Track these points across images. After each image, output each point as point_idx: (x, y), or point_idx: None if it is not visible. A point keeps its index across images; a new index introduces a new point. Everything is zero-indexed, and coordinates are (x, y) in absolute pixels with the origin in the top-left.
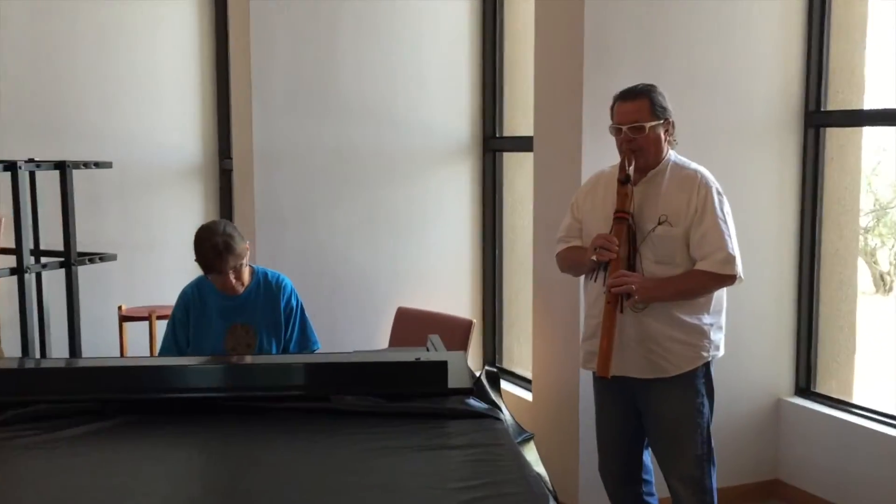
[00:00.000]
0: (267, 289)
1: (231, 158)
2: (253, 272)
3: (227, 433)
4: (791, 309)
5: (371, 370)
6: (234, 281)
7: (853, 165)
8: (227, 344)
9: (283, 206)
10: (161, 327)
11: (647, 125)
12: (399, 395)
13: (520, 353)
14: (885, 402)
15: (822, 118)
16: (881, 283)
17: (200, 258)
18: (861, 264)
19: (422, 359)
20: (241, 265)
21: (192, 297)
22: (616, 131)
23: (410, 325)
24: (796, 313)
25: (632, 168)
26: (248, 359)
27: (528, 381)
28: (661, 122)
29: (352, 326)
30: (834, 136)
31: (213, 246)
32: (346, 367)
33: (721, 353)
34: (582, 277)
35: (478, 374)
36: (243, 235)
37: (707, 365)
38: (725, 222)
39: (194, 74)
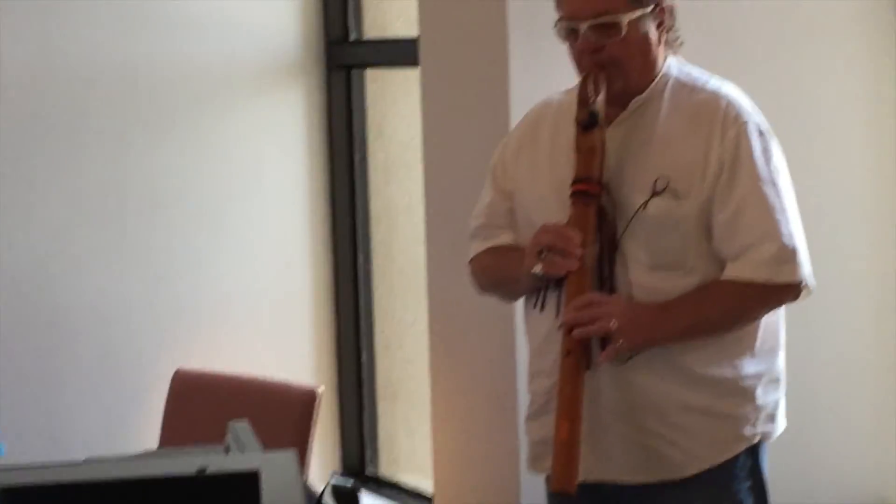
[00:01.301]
0: None
1: None
2: None
3: None
4: None
5: (118, 495)
6: None
7: None
8: None
9: None
10: None
11: (624, 18)
12: None
13: (410, 446)
14: None
15: None
16: None
17: None
18: None
19: (211, 469)
20: None
21: None
22: (568, 33)
23: (198, 401)
24: None
25: (601, 98)
26: None
27: (427, 501)
28: (650, 8)
29: (84, 409)
30: None
31: None
32: (67, 493)
33: (781, 426)
34: (520, 302)
35: (321, 490)
36: None
37: (754, 451)
38: (776, 186)
39: None
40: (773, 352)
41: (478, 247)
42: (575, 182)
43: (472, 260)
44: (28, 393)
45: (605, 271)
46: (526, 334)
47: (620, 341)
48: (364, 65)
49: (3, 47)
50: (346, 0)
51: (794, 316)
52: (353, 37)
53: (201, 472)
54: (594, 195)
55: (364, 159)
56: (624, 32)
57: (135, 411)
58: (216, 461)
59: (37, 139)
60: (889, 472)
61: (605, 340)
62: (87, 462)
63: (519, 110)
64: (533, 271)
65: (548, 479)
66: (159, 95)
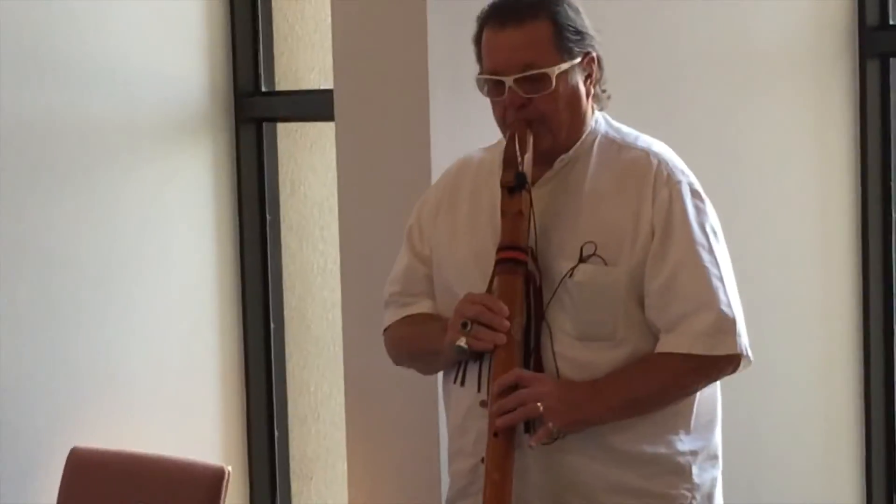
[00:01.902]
0: None
1: None
2: None
3: None
4: (852, 401)
5: None
6: None
7: None
8: None
9: None
10: None
11: (553, 71)
12: None
13: None
14: None
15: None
16: None
17: None
18: None
19: None
20: None
21: None
22: (491, 87)
23: (96, 480)
24: (863, 407)
25: (528, 158)
26: None
27: None
28: (578, 60)
29: None
30: None
31: None
32: None
33: None
34: (440, 376)
35: None
36: None
37: None
38: (711, 251)
39: None
40: (709, 426)
41: (393, 315)
42: (500, 249)
43: (386, 329)
44: None
45: (530, 343)
46: (445, 410)
47: (549, 423)
48: (276, 118)
49: None
50: (256, 49)
51: (735, 383)
52: (264, 88)
53: None
54: (521, 263)
55: (276, 219)
56: (553, 85)
57: (27, 492)
58: None
59: None
60: None
61: (532, 424)
62: None
63: (441, 166)
64: (457, 345)
65: None
66: (53, 150)
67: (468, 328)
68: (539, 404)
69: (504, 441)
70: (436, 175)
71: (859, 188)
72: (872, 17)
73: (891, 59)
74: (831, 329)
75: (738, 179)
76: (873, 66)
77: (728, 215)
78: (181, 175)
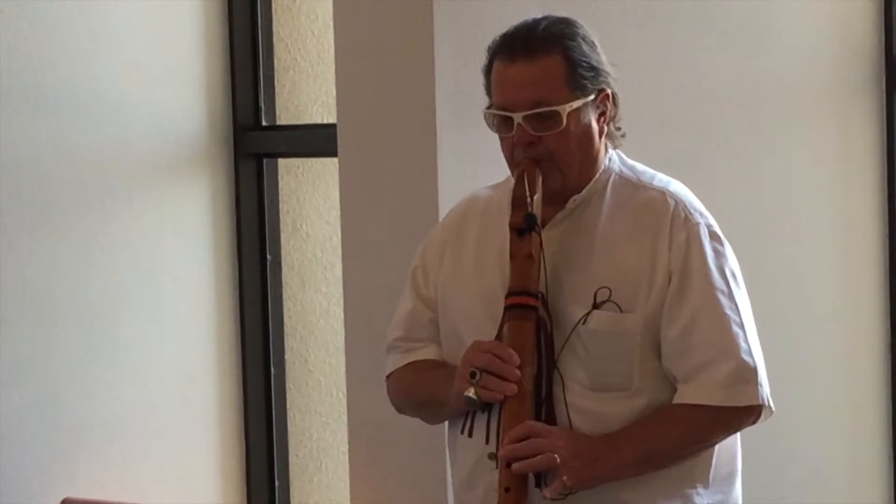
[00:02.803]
0: None
1: None
2: None
3: None
4: (879, 455)
5: None
6: None
7: None
8: None
9: None
10: None
11: (565, 108)
12: None
13: None
14: None
15: None
16: None
17: None
18: None
19: None
20: None
21: None
22: (500, 123)
23: None
24: (890, 460)
25: (538, 198)
26: None
27: None
28: (592, 97)
29: None
30: None
31: None
32: None
33: None
34: (446, 425)
35: None
36: None
37: None
38: (731, 297)
39: None
40: (729, 479)
41: (396, 362)
42: (510, 294)
43: (389, 376)
44: None
45: (542, 393)
46: (450, 463)
47: (564, 477)
48: (277, 154)
49: None
50: (256, 81)
51: (757, 433)
52: (264, 122)
53: None
54: (532, 308)
55: (277, 259)
56: (564, 124)
57: None
58: None
59: None
60: None
61: (540, 475)
62: None
63: (448, 204)
64: (465, 395)
65: None
66: (44, 187)
67: (476, 378)
68: (556, 455)
69: (515, 496)
70: (443, 213)
71: (886, 230)
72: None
73: None
74: (857, 378)
75: (759, 221)
76: None
77: (748, 259)
78: (178, 213)
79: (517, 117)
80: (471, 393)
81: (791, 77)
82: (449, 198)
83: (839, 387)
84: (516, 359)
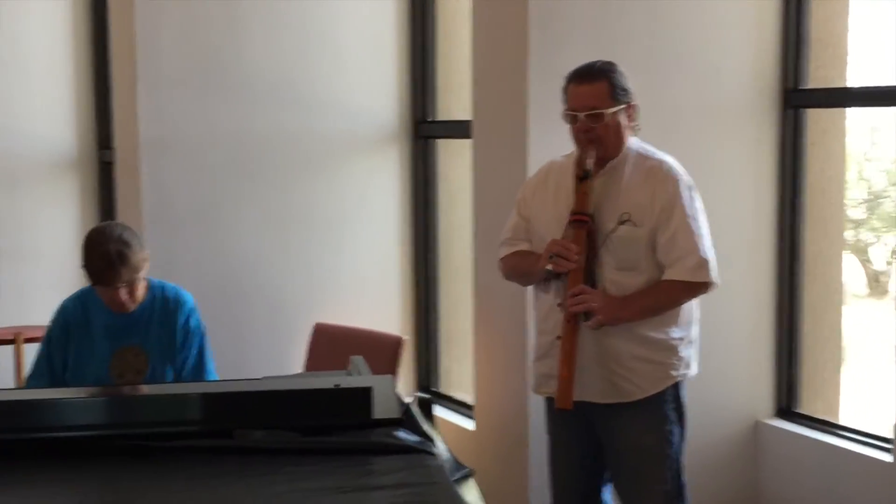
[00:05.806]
0: (163, 306)
1: (112, 149)
2: (149, 287)
3: (112, 479)
4: (769, 318)
5: (282, 400)
6: (125, 297)
7: (838, 151)
8: (114, 370)
9: (176, 205)
10: (30, 353)
11: (607, 112)
12: (316, 429)
13: (459, 374)
14: (879, 422)
15: (801, 97)
16: (875, 283)
17: (89, 266)
18: (852, 264)
19: (342, 385)
20: (137, 279)
21: (73, 313)
22: (571, 118)
23: (330, 344)
24: (776, 323)
25: (591, 161)
26: (138, 388)
27: (469, 408)
28: (623, 106)
29: (260, 347)
30: (816, 118)
31: (103, 254)
32: (252, 397)
33: (694, 371)
34: (531, 287)
35: (408, 401)
36: (143, 243)
37: (677, 386)
38: (696, 220)
39: (65, 50)
40: (689, 323)
41: (506, 251)
42: (573, 214)
43: (501, 259)
44: (223, 333)
45: (589, 268)
46: (534, 309)
47: (600, 317)
48: (437, 136)
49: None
50: (425, 91)
51: (703, 300)
52: (430, 117)
53: (336, 386)
54: (585, 222)
55: (435, 196)
56: (606, 120)
57: (290, 350)
58: (345, 380)
59: (235, 181)
60: (762, 400)
61: (587, 315)
62: (264, 378)
63: (533, 166)
64: (546, 268)
65: (547, 399)
66: (307, 154)
67: (552, 258)
68: (595, 304)
69: (573, 325)
70: (531, 171)
71: (777, 207)
72: (790, 82)
73: (800, 110)
74: (756, 281)
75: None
76: (789, 116)
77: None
78: (380, 170)
79: (581, 115)
80: (549, 267)
81: (711, 99)
82: (534, 163)
83: (742, 302)
84: (575, 249)
